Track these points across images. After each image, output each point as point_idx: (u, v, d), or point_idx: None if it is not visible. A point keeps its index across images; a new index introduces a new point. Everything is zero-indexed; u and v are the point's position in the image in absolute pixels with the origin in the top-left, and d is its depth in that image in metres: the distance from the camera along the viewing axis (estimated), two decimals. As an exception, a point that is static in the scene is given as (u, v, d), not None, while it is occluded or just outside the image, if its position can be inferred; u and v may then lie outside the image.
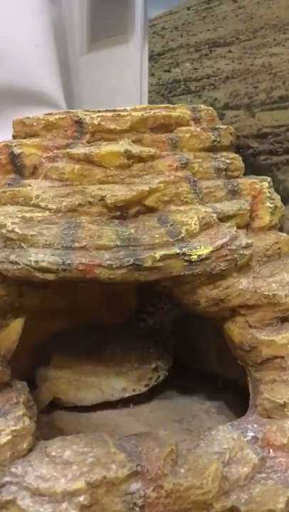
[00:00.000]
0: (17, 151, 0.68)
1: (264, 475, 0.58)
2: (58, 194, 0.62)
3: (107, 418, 0.80)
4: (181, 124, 0.71)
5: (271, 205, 0.72)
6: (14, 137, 0.73)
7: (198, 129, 0.71)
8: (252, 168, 0.81)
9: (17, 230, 0.58)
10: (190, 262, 0.59)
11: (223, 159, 0.72)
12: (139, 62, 1.38)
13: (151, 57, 1.67)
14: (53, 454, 0.54)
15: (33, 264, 0.56)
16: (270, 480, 0.57)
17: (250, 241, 0.64)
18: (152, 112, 0.68)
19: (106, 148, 0.64)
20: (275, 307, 0.64)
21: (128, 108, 0.70)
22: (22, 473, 0.53)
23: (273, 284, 0.65)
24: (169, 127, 0.70)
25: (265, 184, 0.72)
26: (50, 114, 0.71)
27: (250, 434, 0.60)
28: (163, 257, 0.57)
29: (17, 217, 0.60)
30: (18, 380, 0.64)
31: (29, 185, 0.65)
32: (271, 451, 0.59)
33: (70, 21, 1.29)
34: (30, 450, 0.56)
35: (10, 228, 0.58)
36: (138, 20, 1.35)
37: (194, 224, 0.61)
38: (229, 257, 0.61)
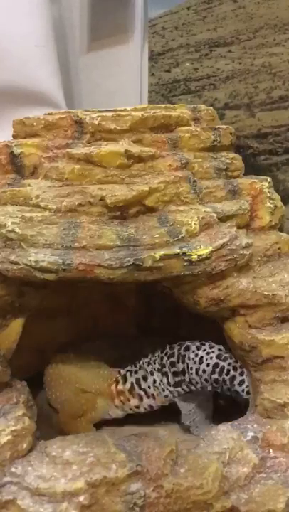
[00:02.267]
0: (17, 151, 0.68)
1: (264, 475, 0.57)
2: (58, 194, 0.62)
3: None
4: (181, 124, 0.70)
5: (271, 205, 0.72)
6: (14, 137, 0.73)
7: (198, 129, 0.70)
8: (252, 168, 0.81)
9: (17, 230, 0.58)
10: (190, 262, 0.59)
11: (223, 159, 0.72)
12: (139, 62, 1.38)
13: (151, 57, 1.67)
14: (53, 454, 0.54)
15: (33, 264, 0.56)
16: (270, 480, 0.57)
17: (250, 241, 0.64)
18: (152, 112, 0.68)
19: (106, 148, 0.64)
20: (275, 307, 0.64)
21: (128, 108, 0.70)
22: (22, 473, 0.53)
23: (273, 284, 0.65)
24: (169, 127, 0.70)
25: (265, 184, 0.72)
26: (50, 114, 0.71)
27: (250, 434, 0.60)
28: (163, 257, 0.57)
29: (17, 217, 0.60)
30: (18, 380, 0.65)
31: (29, 185, 0.65)
32: (271, 451, 0.59)
33: (70, 21, 1.29)
34: (30, 450, 0.56)
35: (10, 228, 0.58)
36: (138, 20, 1.35)
37: (194, 224, 0.61)
38: (229, 257, 0.61)
